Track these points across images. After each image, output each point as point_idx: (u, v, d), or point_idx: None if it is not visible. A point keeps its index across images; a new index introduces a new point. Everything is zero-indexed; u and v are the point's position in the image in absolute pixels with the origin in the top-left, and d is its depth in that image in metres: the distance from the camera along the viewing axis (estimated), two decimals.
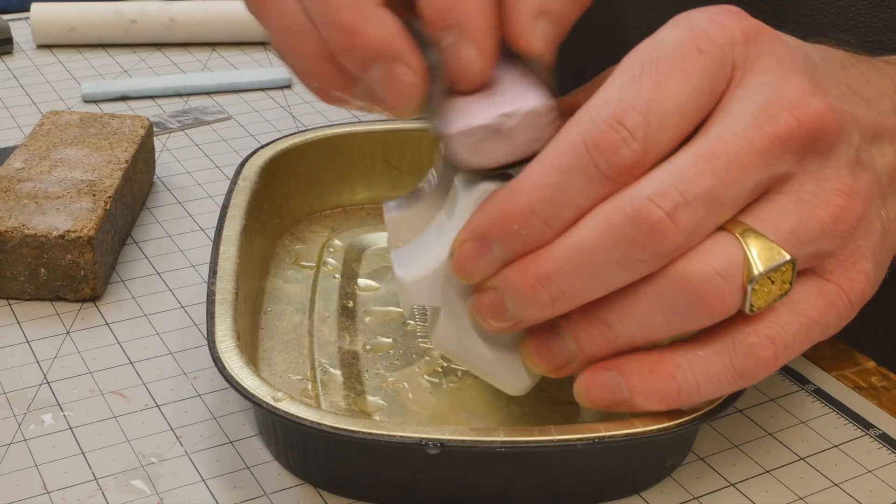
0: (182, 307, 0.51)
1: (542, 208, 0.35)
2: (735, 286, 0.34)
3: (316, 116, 0.71)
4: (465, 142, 0.37)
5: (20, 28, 0.84)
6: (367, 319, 0.49)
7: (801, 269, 0.35)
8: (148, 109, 0.72)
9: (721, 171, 0.34)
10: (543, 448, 0.38)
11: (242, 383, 0.39)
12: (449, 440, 0.37)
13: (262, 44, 0.83)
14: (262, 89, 0.76)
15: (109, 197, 0.53)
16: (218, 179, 0.63)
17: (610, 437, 0.37)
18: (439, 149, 0.39)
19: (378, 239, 0.55)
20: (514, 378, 0.40)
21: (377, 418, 0.44)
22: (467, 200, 0.38)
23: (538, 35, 0.37)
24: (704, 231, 0.34)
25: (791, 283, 0.35)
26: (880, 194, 0.38)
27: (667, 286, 0.34)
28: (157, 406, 0.45)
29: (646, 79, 0.34)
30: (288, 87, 0.76)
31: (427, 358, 0.47)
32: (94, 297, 0.51)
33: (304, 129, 0.57)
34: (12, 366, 0.47)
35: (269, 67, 0.79)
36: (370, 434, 0.37)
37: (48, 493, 0.40)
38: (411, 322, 0.49)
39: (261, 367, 0.46)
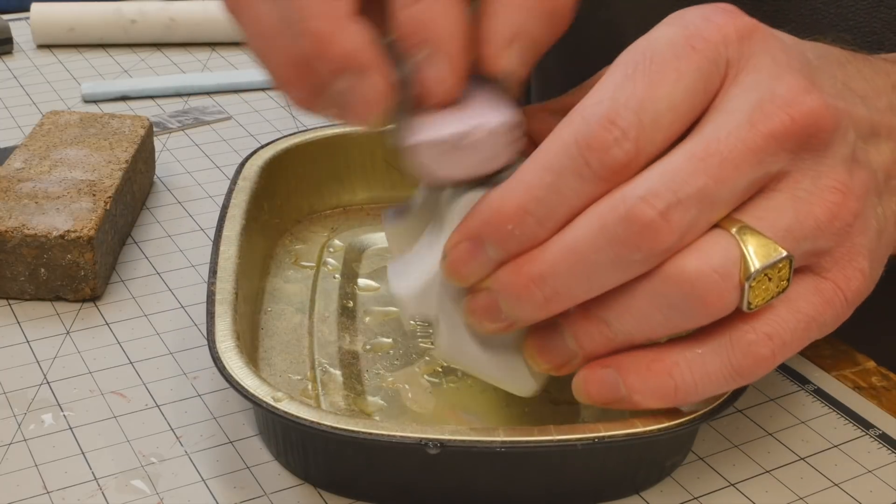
0: (182, 307, 0.51)
1: (535, 208, 0.35)
2: (732, 283, 0.34)
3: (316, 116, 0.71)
4: (427, 155, 0.37)
5: (20, 28, 0.84)
6: (367, 319, 0.49)
7: (797, 267, 0.35)
8: (148, 109, 0.72)
9: (714, 170, 0.34)
10: (543, 448, 0.38)
11: (242, 383, 0.39)
12: (449, 440, 0.37)
13: None
14: (262, 89, 0.76)
15: (109, 197, 0.53)
16: (218, 179, 0.63)
17: (610, 437, 0.37)
18: None
19: (378, 239, 0.55)
20: (521, 380, 0.40)
21: (377, 418, 0.44)
22: (454, 210, 0.38)
23: (511, 59, 0.37)
24: (698, 230, 0.34)
25: (788, 281, 0.35)
26: (876, 192, 0.38)
27: (664, 284, 0.34)
28: (157, 406, 0.45)
29: (639, 78, 0.34)
30: None
31: (427, 358, 0.47)
32: (94, 297, 0.51)
33: (304, 129, 0.57)
34: (12, 366, 0.47)
35: None
36: (370, 434, 0.37)
37: (48, 493, 0.40)
38: (411, 321, 0.49)
39: (261, 367, 0.46)
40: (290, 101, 0.38)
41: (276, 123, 0.71)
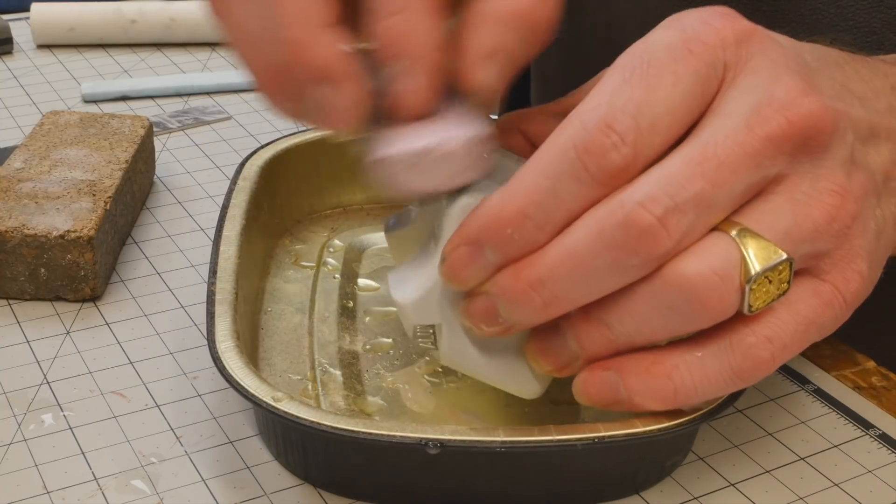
0: (182, 307, 0.51)
1: (534, 212, 0.35)
2: (733, 286, 0.34)
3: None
4: (395, 167, 0.37)
5: (20, 28, 0.84)
6: (367, 319, 0.49)
7: (796, 270, 0.35)
8: (148, 109, 0.72)
9: (711, 175, 0.34)
10: (543, 448, 0.38)
11: (242, 383, 0.39)
12: (449, 440, 0.37)
13: None
14: None
15: (109, 197, 0.53)
16: (218, 179, 0.63)
17: (610, 437, 0.37)
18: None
19: (378, 239, 0.55)
20: (524, 382, 0.40)
21: (377, 418, 0.44)
22: (453, 216, 0.38)
23: (488, 73, 0.37)
24: (696, 234, 0.34)
25: (789, 283, 0.35)
26: (874, 194, 0.38)
27: (666, 287, 0.34)
28: (157, 406, 0.45)
29: (636, 82, 0.34)
30: None
31: (427, 358, 0.47)
32: (94, 297, 0.51)
33: (304, 129, 0.57)
34: (12, 366, 0.47)
35: None
36: (370, 434, 0.37)
37: (48, 493, 0.40)
38: (415, 327, 0.49)
39: (261, 367, 0.46)
40: (270, 105, 0.38)
41: (276, 123, 0.71)
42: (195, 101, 0.74)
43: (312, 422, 0.38)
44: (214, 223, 0.49)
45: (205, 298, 0.47)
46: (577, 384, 0.38)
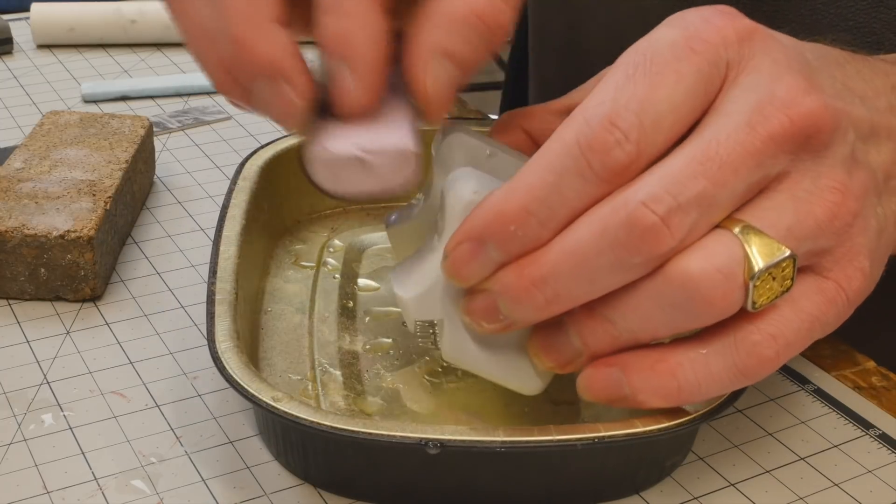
0: (182, 307, 0.51)
1: (537, 209, 0.35)
2: (737, 283, 0.34)
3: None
4: (326, 168, 0.37)
5: (20, 28, 0.84)
6: (367, 319, 0.49)
7: (799, 267, 0.35)
8: (148, 109, 0.72)
9: (713, 174, 0.34)
10: (543, 448, 0.38)
11: (242, 383, 0.39)
12: (449, 440, 0.37)
13: None
14: None
15: (109, 197, 0.53)
16: (218, 179, 0.63)
17: (610, 437, 0.37)
18: (430, 166, 0.39)
19: (378, 239, 0.55)
20: (526, 379, 0.40)
21: (377, 418, 0.44)
22: (455, 212, 0.38)
23: (437, 76, 0.37)
24: (698, 232, 0.34)
25: (792, 280, 0.35)
26: (875, 192, 0.38)
27: (669, 285, 0.34)
28: (157, 406, 0.45)
29: (640, 79, 0.34)
30: None
31: (427, 358, 0.47)
32: (94, 297, 0.51)
33: None
34: (12, 366, 0.47)
35: None
36: (370, 434, 0.37)
37: (48, 493, 0.40)
38: (416, 323, 0.49)
39: (261, 367, 0.46)
40: (227, 100, 0.39)
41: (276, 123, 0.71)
42: (195, 101, 0.74)
43: (312, 422, 0.38)
44: (214, 223, 0.49)
45: (205, 298, 0.47)
46: (581, 380, 0.38)
